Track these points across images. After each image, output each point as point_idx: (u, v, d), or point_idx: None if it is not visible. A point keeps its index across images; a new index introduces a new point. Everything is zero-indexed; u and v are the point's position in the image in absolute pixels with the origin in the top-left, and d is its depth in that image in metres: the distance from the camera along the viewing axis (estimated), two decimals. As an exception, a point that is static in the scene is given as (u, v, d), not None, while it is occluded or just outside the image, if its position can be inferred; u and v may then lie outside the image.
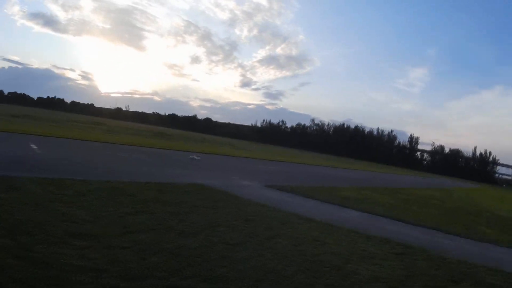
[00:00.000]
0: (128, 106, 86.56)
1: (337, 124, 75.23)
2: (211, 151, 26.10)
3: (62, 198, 6.06)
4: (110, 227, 4.99)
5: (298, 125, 77.65)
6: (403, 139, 79.14)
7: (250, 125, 70.29)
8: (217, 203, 7.86)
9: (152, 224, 5.48)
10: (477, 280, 5.30)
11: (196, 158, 17.03)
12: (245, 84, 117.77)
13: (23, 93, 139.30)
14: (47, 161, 10.41)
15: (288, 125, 76.74)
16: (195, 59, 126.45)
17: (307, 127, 78.81)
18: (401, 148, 74.20)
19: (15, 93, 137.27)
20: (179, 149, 23.31)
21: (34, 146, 13.17)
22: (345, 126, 74.68)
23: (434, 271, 5.43)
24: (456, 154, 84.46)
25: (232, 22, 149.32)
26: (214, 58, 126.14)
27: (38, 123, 28.55)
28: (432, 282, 4.91)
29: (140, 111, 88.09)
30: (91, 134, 23.44)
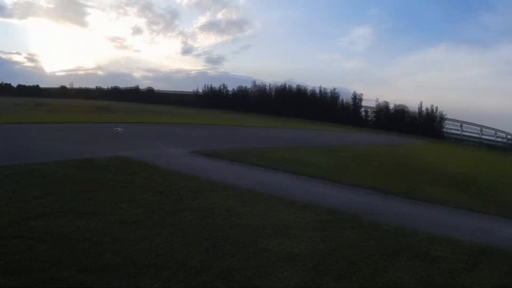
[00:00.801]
0: (72, 83, 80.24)
1: (279, 85, 75.98)
2: (147, 120, 24.73)
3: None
4: (9, 215, 4.49)
5: (240, 88, 76.51)
6: (346, 97, 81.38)
7: (192, 91, 68.14)
8: (131, 176, 7.25)
9: (54, 207, 4.95)
10: (418, 252, 4.47)
11: (120, 129, 15.94)
12: (186, 51, 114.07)
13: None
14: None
15: (230, 88, 75.41)
16: (137, 30, 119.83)
17: (248, 89, 78.06)
18: (344, 105, 76.01)
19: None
20: (118, 122, 21.77)
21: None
22: (287, 86, 75.22)
23: (364, 242, 4.62)
24: (401, 110, 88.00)
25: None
26: (155, 27, 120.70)
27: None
28: (359, 257, 4.10)
29: (84, 87, 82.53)
30: (31, 116, 21.15)
